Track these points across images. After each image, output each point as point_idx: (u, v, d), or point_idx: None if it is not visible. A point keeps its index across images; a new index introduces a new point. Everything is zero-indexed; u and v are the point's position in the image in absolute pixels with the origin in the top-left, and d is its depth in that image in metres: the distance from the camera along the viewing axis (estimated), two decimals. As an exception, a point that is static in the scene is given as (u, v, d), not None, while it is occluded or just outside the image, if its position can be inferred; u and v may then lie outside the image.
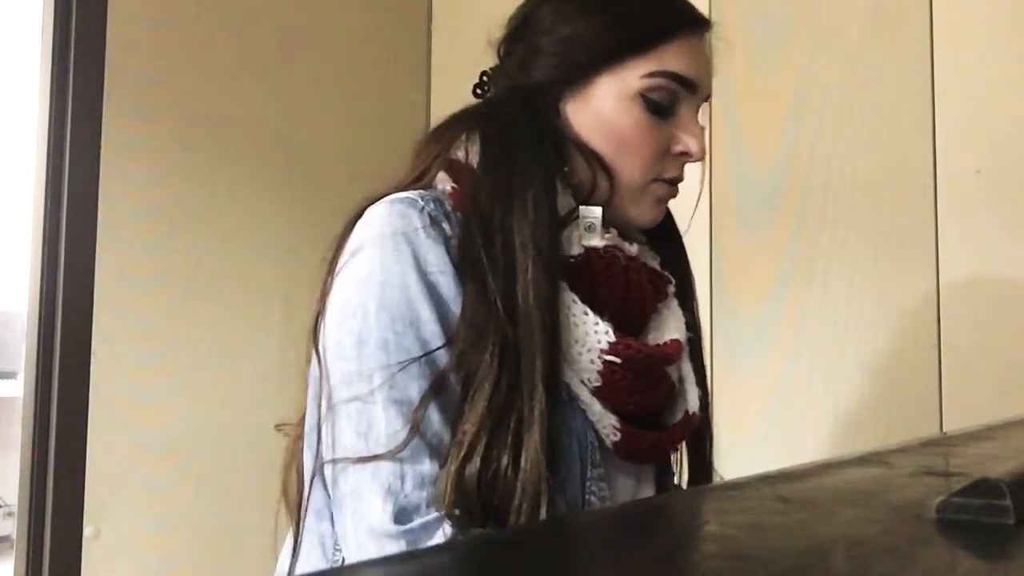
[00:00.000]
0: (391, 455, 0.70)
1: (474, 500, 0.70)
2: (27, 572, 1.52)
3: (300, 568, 0.79)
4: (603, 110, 0.81)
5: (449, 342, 0.73)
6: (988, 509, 0.35)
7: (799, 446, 1.52)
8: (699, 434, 0.91)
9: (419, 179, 0.83)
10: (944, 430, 1.38)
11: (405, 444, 0.70)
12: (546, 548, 0.34)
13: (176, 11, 1.75)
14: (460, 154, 0.82)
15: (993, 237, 1.35)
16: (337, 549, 0.76)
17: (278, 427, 0.85)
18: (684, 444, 0.91)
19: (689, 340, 0.90)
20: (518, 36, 0.85)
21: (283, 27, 1.93)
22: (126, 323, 1.64)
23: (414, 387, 0.72)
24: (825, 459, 0.51)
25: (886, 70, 1.48)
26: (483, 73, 0.89)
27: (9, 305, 3.60)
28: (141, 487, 1.64)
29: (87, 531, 1.56)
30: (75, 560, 1.54)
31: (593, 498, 0.77)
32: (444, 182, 0.81)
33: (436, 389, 0.72)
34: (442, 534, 0.69)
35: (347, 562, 0.74)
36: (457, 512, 0.69)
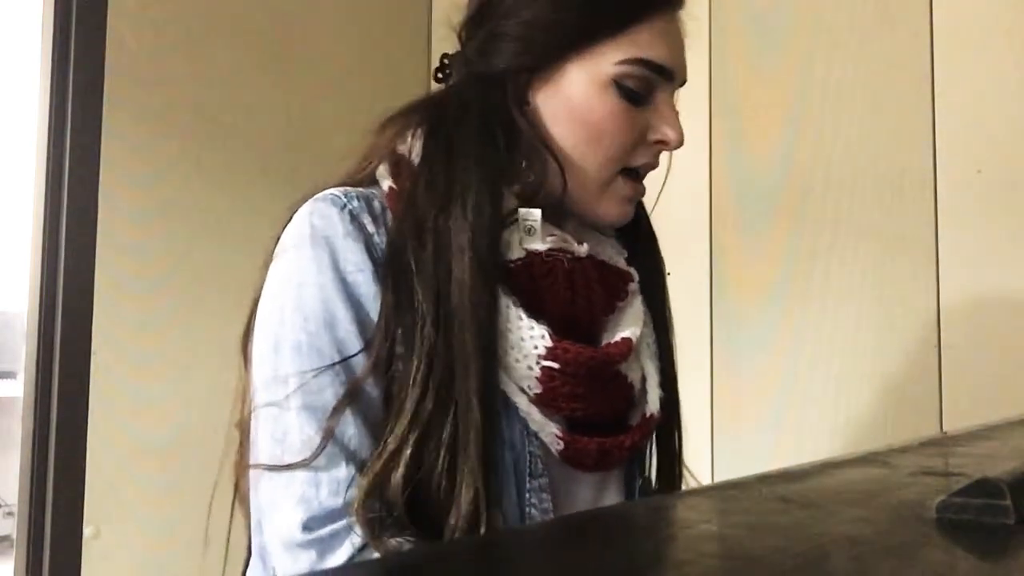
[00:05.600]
0: (304, 463, 0.67)
1: (399, 508, 0.67)
2: (27, 572, 1.52)
3: None
4: (574, 98, 0.75)
5: (367, 346, 0.69)
6: (988, 509, 0.35)
7: (799, 446, 1.52)
8: (665, 437, 0.87)
9: (359, 174, 0.80)
10: (944, 430, 1.38)
11: (319, 452, 0.67)
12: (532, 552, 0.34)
13: (176, 11, 1.75)
14: (405, 148, 0.78)
15: (993, 237, 1.35)
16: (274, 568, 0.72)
17: (238, 425, 0.80)
18: (653, 446, 0.86)
19: (657, 338, 0.86)
20: (479, 20, 0.79)
21: (283, 27, 1.93)
22: (126, 323, 1.64)
23: (329, 392, 0.69)
24: (825, 459, 0.51)
25: (886, 70, 1.48)
26: (444, 55, 0.83)
27: (9, 305, 3.60)
28: (141, 487, 1.64)
29: (87, 531, 1.56)
30: (75, 560, 1.54)
31: (534, 510, 0.73)
32: (384, 179, 0.77)
33: (351, 394, 0.69)
34: (350, 543, 0.66)
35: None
36: (372, 517, 0.66)
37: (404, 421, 0.67)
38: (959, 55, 1.41)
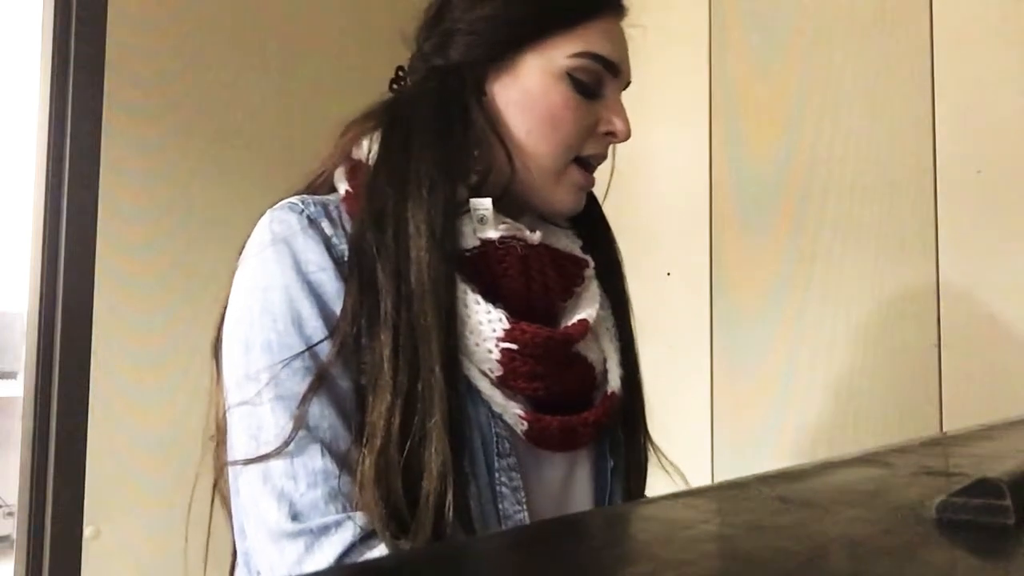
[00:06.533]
0: (278, 452, 0.68)
1: (398, 494, 0.68)
2: (27, 572, 1.52)
3: None
4: (531, 87, 0.80)
5: (332, 335, 0.71)
6: (988, 509, 0.35)
7: (799, 446, 1.52)
8: (629, 416, 0.88)
9: (317, 179, 0.84)
10: (944, 430, 1.38)
11: (291, 439, 0.68)
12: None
13: (176, 11, 1.75)
14: (361, 152, 0.81)
15: (993, 237, 1.35)
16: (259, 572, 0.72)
17: (212, 438, 0.80)
18: (621, 429, 0.88)
19: (617, 322, 0.89)
20: (438, 19, 0.83)
21: (283, 27, 1.93)
22: (126, 323, 1.64)
23: (299, 384, 0.70)
24: (825, 459, 0.51)
25: (886, 70, 1.48)
26: (399, 68, 0.87)
27: (9, 305, 3.61)
28: (141, 487, 1.64)
29: (87, 531, 1.56)
30: (75, 560, 1.54)
31: (504, 488, 0.76)
32: (341, 183, 0.81)
33: (319, 382, 0.70)
34: (341, 540, 0.67)
35: None
36: (381, 509, 0.67)
37: (387, 396, 0.69)
38: (959, 55, 1.41)
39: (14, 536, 1.61)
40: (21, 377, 1.64)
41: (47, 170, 1.58)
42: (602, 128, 0.82)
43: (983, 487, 0.36)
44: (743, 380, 1.61)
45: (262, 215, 0.79)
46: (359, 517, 0.68)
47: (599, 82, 0.81)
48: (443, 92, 0.79)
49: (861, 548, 0.33)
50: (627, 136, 0.83)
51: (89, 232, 1.60)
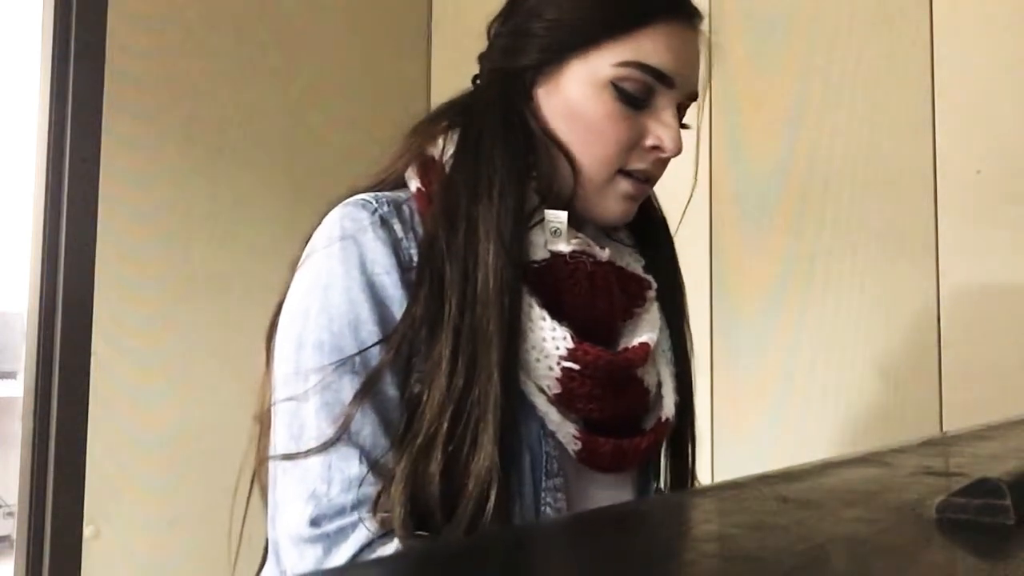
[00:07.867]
0: (316, 452, 0.69)
1: (434, 499, 0.68)
2: (27, 572, 1.52)
3: None
4: (571, 96, 0.77)
5: (386, 340, 0.71)
6: (988, 509, 0.35)
7: (799, 446, 1.52)
8: (678, 442, 0.88)
9: (387, 177, 0.82)
10: (944, 430, 1.38)
11: (331, 443, 0.68)
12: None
13: (176, 11, 1.75)
14: (436, 151, 0.80)
15: (993, 237, 1.35)
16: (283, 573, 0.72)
17: (257, 418, 0.80)
18: (666, 451, 0.88)
19: (673, 346, 0.88)
20: (504, 19, 0.82)
21: (283, 27, 1.93)
22: (126, 323, 1.64)
23: (347, 388, 0.70)
24: (825, 459, 0.51)
25: (886, 70, 1.48)
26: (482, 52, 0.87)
27: (9, 305, 3.61)
28: (141, 487, 1.64)
29: (87, 531, 1.56)
30: (75, 560, 1.54)
31: (548, 509, 0.75)
32: (412, 180, 0.79)
33: (367, 388, 0.70)
34: (355, 540, 0.67)
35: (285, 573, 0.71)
36: (404, 510, 0.67)
37: (439, 397, 0.69)
38: (959, 55, 1.41)
39: (14, 536, 1.61)
40: (21, 377, 1.64)
41: (47, 170, 1.58)
42: (648, 142, 0.78)
43: (983, 487, 0.36)
44: (743, 380, 1.61)
45: (330, 209, 0.78)
46: (374, 518, 0.68)
47: (648, 93, 0.77)
48: (501, 97, 0.79)
49: (861, 548, 0.33)
50: (676, 152, 0.78)
51: (89, 232, 1.60)
